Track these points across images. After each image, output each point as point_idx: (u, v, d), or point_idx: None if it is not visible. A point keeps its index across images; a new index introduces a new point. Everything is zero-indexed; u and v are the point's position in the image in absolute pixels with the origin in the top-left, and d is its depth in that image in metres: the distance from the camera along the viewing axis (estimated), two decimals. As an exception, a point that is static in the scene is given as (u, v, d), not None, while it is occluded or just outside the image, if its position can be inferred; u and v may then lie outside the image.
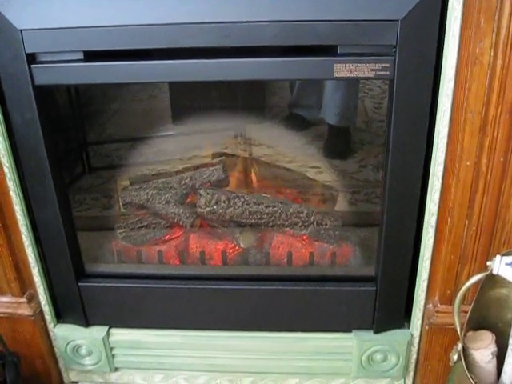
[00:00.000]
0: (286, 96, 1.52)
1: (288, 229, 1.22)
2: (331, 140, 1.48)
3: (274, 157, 1.41)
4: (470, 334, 0.97)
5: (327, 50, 0.88)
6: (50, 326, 1.19)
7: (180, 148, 1.43)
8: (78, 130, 1.46)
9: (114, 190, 1.40)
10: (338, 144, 1.50)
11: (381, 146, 1.00)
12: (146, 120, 1.43)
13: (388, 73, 0.88)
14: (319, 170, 1.41)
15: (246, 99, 1.35)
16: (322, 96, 1.44)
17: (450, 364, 0.98)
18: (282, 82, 1.49)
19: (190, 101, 1.38)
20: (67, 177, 1.33)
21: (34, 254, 1.10)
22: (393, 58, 0.87)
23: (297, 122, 1.48)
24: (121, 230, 1.25)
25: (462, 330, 0.95)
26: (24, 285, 1.14)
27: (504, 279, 0.90)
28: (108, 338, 1.19)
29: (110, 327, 1.19)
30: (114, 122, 1.49)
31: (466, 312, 0.96)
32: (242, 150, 1.40)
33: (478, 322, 0.98)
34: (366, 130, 1.51)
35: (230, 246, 1.23)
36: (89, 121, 1.47)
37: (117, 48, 0.89)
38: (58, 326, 1.20)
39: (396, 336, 1.14)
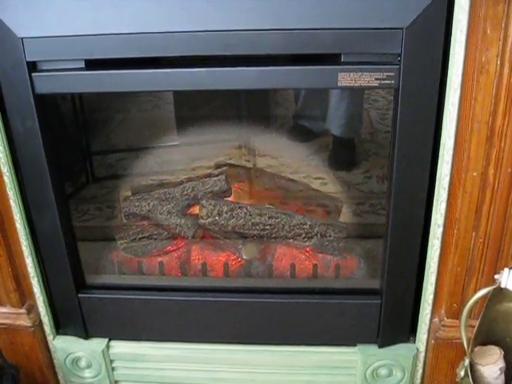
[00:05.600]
0: (290, 107, 1.51)
1: (291, 240, 1.21)
2: (336, 151, 1.47)
3: (279, 168, 1.40)
4: (477, 349, 0.95)
5: (331, 59, 0.88)
6: (50, 337, 1.18)
7: (184, 158, 1.42)
8: (82, 139, 1.45)
9: (117, 200, 1.39)
10: (343, 155, 1.48)
11: (386, 157, 0.98)
12: (150, 130, 1.43)
13: (393, 82, 0.87)
14: (324, 181, 1.40)
15: (251, 110, 1.34)
16: (327, 107, 1.43)
17: (457, 380, 0.96)
18: (286, 93, 1.48)
19: (195, 111, 1.37)
20: (71, 187, 1.32)
21: (34, 265, 1.09)
22: (397, 66, 0.85)
23: (302, 132, 1.47)
24: (122, 241, 1.24)
25: (469, 344, 0.93)
26: (23, 296, 1.13)
27: (512, 293, 0.88)
28: (108, 351, 1.17)
29: (110, 339, 1.18)
30: (119, 132, 1.49)
31: (473, 326, 0.94)
32: (246, 160, 1.39)
33: (485, 337, 0.96)
34: (371, 141, 1.50)
35: (232, 257, 1.21)
36: (93, 131, 1.46)
37: (118, 56, 0.89)
38: (58, 337, 1.19)
39: (401, 350, 1.12)
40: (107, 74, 0.91)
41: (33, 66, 0.90)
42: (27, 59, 0.89)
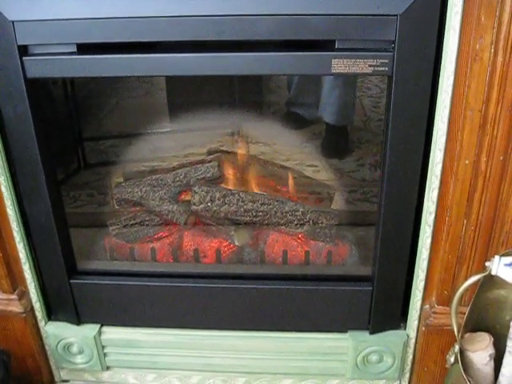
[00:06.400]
0: (283, 94, 1.51)
1: (283, 227, 1.21)
2: (329, 138, 1.47)
3: (271, 155, 1.39)
4: (467, 335, 0.95)
5: (325, 45, 0.87)
6: (41, 323, 1.18)
7: (176, 145, 1.41)
8: (74, 125, 1.44)
9: (109, 186, 1.38)
10: (336, 143, 1.48)
11: (379, 144, 0.98)
12: (142, 116, 1.42)
13: (386, 69, 0.86)
14: (317, 168, 1.40)
15: (244, 97, 1.33)
16: (320, 94, 1.42)
17: (447, 366, 0.97)
18: (279, 80, 1.48)
19: (187, 98, 1.36)
20: (62, 173, 1.32)
21: (25, 250, 1.08)
22: (391, 53, 0.85)
23: (294, 120, 1.47)
24: (114, 227, 1.23)
25: (459, 331, 0.93)
26: (15, 281, 1.13)
27: (502, 280, 0.88)
28: (100, 336, 1.17)
29: (102, 325, 1.18)
30: (111, 119, 1.48)
31: (464, 313, 0.94)
32: (238, 147, 1.39)
33: (475, 324, 0.96)
34: (364, 128, 1.50)
35: (225, 243, 1.21)
36: (85, 116, 1.45)
37: (110, 41, 0.88)
38: (49, 323, 1.18)
39: (392, 337, 1.12)
40: (99, 58, 0.90)
41: (24, 50, 0.89)
42: (18, 43, 0.88)
